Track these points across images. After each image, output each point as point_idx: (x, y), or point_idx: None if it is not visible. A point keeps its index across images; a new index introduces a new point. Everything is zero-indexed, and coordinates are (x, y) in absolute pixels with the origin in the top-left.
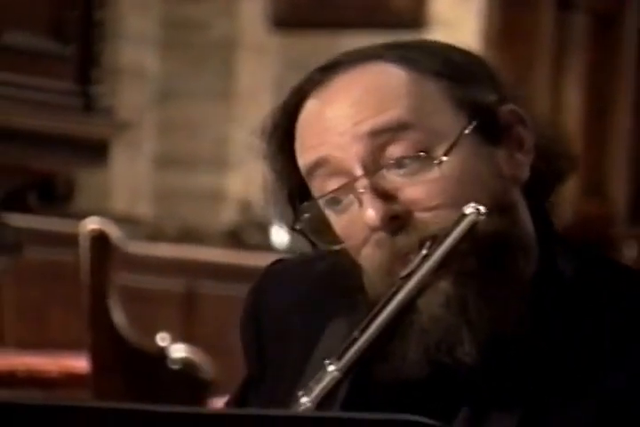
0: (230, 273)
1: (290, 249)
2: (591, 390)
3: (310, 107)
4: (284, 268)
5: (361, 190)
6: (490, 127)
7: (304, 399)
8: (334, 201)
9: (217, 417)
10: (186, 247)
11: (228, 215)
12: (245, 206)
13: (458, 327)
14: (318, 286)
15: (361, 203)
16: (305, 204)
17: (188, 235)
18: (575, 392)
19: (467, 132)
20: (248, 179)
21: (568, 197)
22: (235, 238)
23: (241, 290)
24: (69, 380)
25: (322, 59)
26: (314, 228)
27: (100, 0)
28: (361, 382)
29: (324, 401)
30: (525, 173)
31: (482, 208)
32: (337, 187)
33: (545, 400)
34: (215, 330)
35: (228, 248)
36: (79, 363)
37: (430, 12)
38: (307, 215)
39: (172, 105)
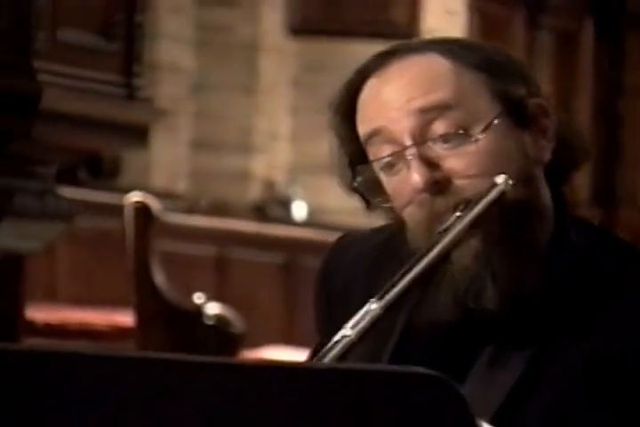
0: (255, 241)
1: (307, 222)
2: (590, 337)
3: (371, 85)
4: (348, 241)
5: (409, 157)
6: (519, 115)
7: (346, 331)
8: (387, 165)
9: (244, 367)
10: (217, 219)
11: (253, 192)
12: (268, 185)
13: (483, 278)
14: (378, 255)
15: (409, 168)
16: (360, 166)
17: (219, 208)
18: (575, 338)
19: (499, 116)
20: (270, 161)
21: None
22: (259, 212)
23: (264, 256)
24: (115, 333)
25: (330, 61)
26: (368, 188)
27: (142, 4)
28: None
29: (364, 335)
30: (547, 156)
31: (510, 180)
32: (390, 153)
33: (551, 344)
34: (244, 290)
35: (254, 220)
36: (124, 318)
37: (422, 24)
38: (361, 177)
39: (203, 96)
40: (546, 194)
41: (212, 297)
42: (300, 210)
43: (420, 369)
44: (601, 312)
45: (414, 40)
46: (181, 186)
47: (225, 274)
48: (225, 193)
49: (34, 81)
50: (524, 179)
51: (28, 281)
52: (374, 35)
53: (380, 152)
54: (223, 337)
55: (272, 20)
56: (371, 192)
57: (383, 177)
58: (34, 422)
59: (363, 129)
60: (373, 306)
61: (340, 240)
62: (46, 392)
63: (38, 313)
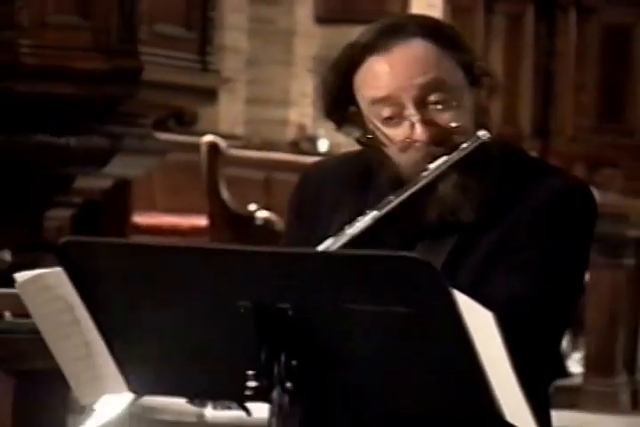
0: (292, 167)
1: (327, 153)
2: (503, 221)
3: (376, 63)
4: (324, 163)
5: (414, 119)
6: (474, 76)
7: (349, 230)
8: (388, 119)
9: (285, 254)
10: (264, 152)
11: (290, 133)
12: (300, 128)
13: (462, 202)
14: (353, 178)
15: (413, 126)
16: (352, 108)
17: (266, 145)
18: (493, 222)
19: (467, 82)
20: (301, 112)
21: (494, 124)
22: (294, 147)
23: (298, 177)
24: (195, 232)
25: (345, 41)
26: (355, 123)
27: (212, 4)
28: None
29: (364, 235)
30: (486, 103)
31: (487, 134)
32: (394, 113)
33: (477, 229)
34: (284, 201)
35: (290, 153)
36: (202, 221)
37: (409, 13)
38: (350, 116)
39: (254, 68)
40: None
41: (261, 206)
42: (323, 145)
43: (407, 253)
44: (513, 204)
45: (401, 18)
46: (239, 130)
47: (270, 190)
48: (270, 134)
49: (137, 60)
50: (484, 125)
51: (133, 197)
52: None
53: (382, 111)
54: (269, 234)
55: (303, 13)
56: (356, 126)
57: (383, 127)
58: (139, 289)
59: (372, 93)
60: (372, 214)
61: (316, 163)
62: (147, 272)
63: (141, 218)
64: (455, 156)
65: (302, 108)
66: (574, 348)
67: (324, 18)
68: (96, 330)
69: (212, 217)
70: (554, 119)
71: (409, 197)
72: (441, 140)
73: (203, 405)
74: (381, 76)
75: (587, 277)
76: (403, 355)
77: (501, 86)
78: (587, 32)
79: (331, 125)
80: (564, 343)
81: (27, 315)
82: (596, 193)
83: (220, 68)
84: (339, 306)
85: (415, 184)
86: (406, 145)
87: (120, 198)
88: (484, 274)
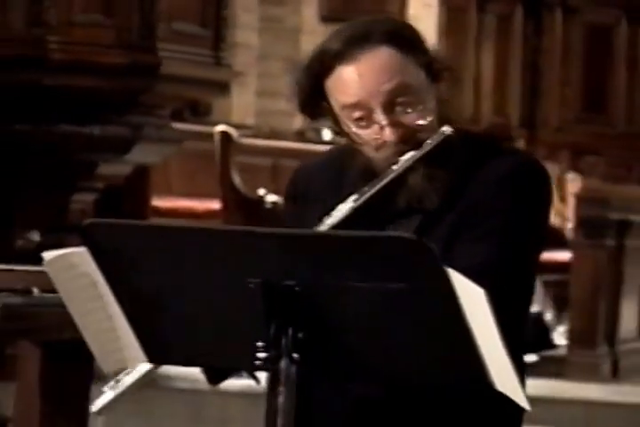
0: (299, 155)
1: (331, 142)
2: (465, 193)
3: (345, 72)
4: (309, 162)
5: (383, 122)
6: (433, 73)
7: (340, 208)
8: (359, 120)
9: (290, 235)
10: (273, 141)
11: (296, 124)
12: (306, 119)
13: (428, 191)
14: (332, 171)
15: (382, 128)
16: (325, 103)
17: (274, 134)
18: (459, 194)
19: (428, 82)
20: None
21: (485, 115)
22: (300, 136)
23: None
24: (209, 214)
25: None
26: (329, 117)
27: (225, 4)
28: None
29: (346, 220)
30: (446, 95)
31: (449, 129)
32: (362, 115)
33: (444, 200)
34: None
35: (297, 141)
36: (215, 205)
37: (407, 13)
38: (322, 112)
39: (264, 63)
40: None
41: (269, 191)
42: (327, 134)
43: (405, 234)
44: (473, 183)
45: (366, 24)
46: (250, 120)
47: (278, 176)
48: (278, 124)
49: (156, 56)
50: (447, 121)
51: (152, 182)
52: None
53: (353, 114)
54: (277, 216)
55: (308, 12)
56: (329, 119)
57: (354, 127)
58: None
59: (344, 98)
60: (350, 203)
61: (304, 162)
62: (165, 252)
63: (159, 202)
64: (422, 150)
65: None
66: (559, 322)
67: (328, 17)
68: (117, 304)
69: (224, 201)
70: (540, 111)
71: (381, 188)
72: (408, 138)
73: None
74: (350, 84)
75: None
76: (400, 328)
77: (460, 77)
78: (571, 31)
79: None
80: (550, 317)
81: (54, 291)
82: (550, 169)
83: (232, 63)
84: (341, 283)
85: (386, 177)
86: (377, 145)
87: (139, 183)
88: (449, 247)
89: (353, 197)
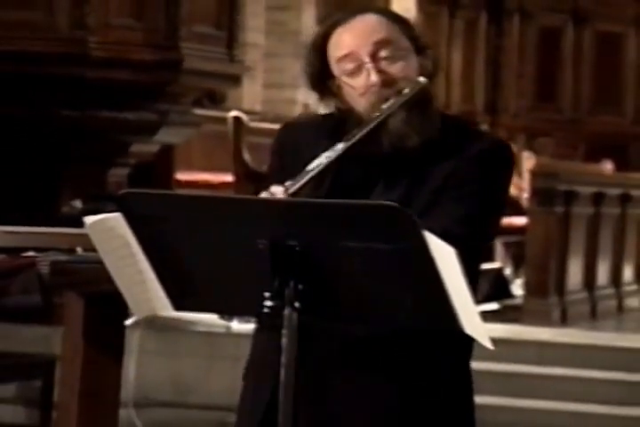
0: None
1: None
2: (445, 165)
3: (340, 31)
4: (302, 118)
5: (369, 66)
6: (419, 47)
7: (322, 159)
8: (351, 73)
9: (283, 202)
10: (277, 125)
11: (297, 110)
12: (306, 106)
13: (407, 131)
14: (329, 131)
15: (369, 73)
16: (331, 80)
17: (279, 119)
18: (438, 165)
19: (410, 47)
20: (307, 94)
21: (454, 103)
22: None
23: None
24: (224, 186)
25: None
26: (333, 92)
27: (237, 9)
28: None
29: (324, 170)
30: (429, 68)
31: (425, 80)
32: (354, 66)
33: (427, 169)
34: None
35: None
36: (229, 178)
37: (394, 6)
38: (330, 86)
39: (270, 60)
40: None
41: None
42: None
43: (390, 203)
44: (454, 155)
45: (361, 7)
46: (258, 107)
47: None
48: (282, 111)
49: (179, 53)
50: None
51: (176, 159)
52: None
53: (346, 65)
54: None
55: (308, 17)
56: (333, 97)
57: (348, 79)
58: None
59: (337, 53)
60: (340, 146)
61: (295, 117)
62: (188, 216)
63: (182, 175)
64: (402, 97)
65: (307, 91)
66: (517, 276)
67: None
68: (147, 261)
69: (236, 174)
70: (501, 100)
71: (367, 133)
72: (389, 84)
73: (230, 319)
74: (344, 39)
75: (525, 220)
76: (385, 281)
77: (443, 63)
78: (527, 33)
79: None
80: (509, 272)
81: (94, 249)
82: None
83: (243, 60)
84: (335, 243)
85: (371, 122)
86: (365, 90)
87: (165, 160)
88: (433, 203)
89: (342, 142)
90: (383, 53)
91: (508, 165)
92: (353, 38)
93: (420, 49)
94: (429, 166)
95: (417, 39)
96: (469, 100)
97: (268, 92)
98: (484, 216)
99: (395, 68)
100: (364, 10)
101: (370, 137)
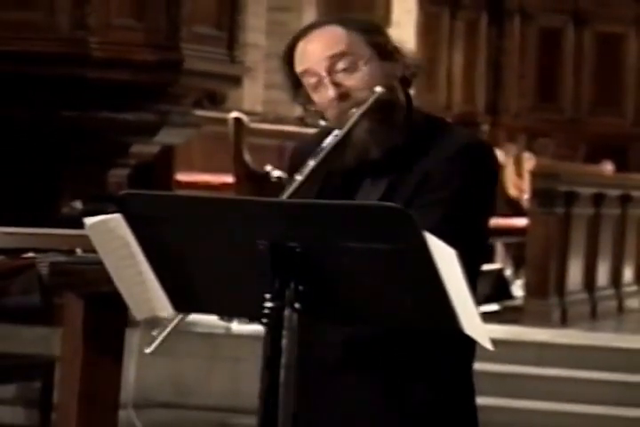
0: (299, 137)
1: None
2: (423, 164)
3: (301, 45)
4: (305, 138)
5: (325, 81)
6: (382, 53)
7: (300, 174)
8: (314, 87)
9: (284, 203)
10: (277, 125)
11: (297, 111)
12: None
13: (370, 143)
14: (316, 145)
15: (327, 88)
16: (301, 89)
17: (279, 120)
18: (415, 166)
19: (371, 55)
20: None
21: (456, 103)
22: (301, 121)
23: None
24: (224, 187)
25: None
26: (306, 100)
27: (238, 10)
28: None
29: (307, 179)
30: (399, 74)
31: (382, 89)
32: (316, 80)
33: (404, 171)
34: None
35: (298, 126)
36: (229, 179)
37: (391, 19)
38: (302, 95)
39: (271, 61)
40: (401, 94)
41: (275, 167)
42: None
43: (391, 204)
44: (428, 155)
45: (323, 18)
46: (258, 108)
47: (282, 155)
48: (282, 111)
49: (180, 54)
50: (388, 87)
51: (176, 160)
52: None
53: (309, 79)
54: (281, 189)
55: (309, 17)
56: (307, 103)
57: (313, 94)
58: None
59: (299, 67)
60: (312, 163)
61: (300, 138)
62: (188, 217)
63: (182, 176)
64: (359, 109)
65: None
66: (517, 277)
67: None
68: (147, 262)
69: (237, 175)
70: (502, 100)
71: (333, 148)
72: (345, 97)
73: (230, 320)
74: (303, 53)
75: (525, 221)
76: (385, 282)
77: (423, 65)
78: (527, 34)
79: None
80: (509, 273)
81: (94, 250)
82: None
83: (244, 61)
84: (336, 244)
85: (338, 134)
86: (327, 105)
87: (166, 161)
88: (410, 205)
89: (311, 161)
90: (340, 65)
91: (484, 164)
92: (310, 54)
93: (385, 54)
94: (407, 169)
95: (382, 45)
96: (470, 100)
97: (269, 92)
98: (463, 216)
99: (353, 80)
100: (324, 22)
101: (337, 151)
